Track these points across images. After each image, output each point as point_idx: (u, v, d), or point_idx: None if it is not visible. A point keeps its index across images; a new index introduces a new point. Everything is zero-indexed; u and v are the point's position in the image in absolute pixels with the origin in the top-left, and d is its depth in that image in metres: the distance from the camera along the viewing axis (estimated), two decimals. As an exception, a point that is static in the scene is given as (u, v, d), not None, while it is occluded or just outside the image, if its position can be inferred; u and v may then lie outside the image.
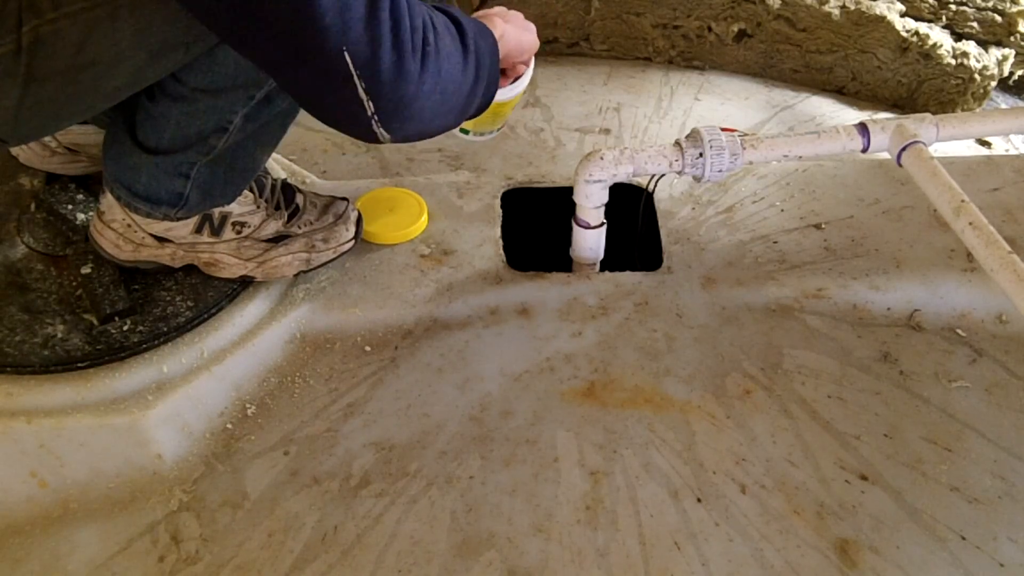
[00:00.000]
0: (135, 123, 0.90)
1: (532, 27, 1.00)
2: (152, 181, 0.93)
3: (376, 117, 0.71)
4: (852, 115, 1.61)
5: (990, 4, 1.66)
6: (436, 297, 1.09)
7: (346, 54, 0.66)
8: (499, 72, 0.88)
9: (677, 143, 1.04)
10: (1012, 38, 1.66)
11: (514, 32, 0.93)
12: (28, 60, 0.72)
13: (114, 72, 0.76)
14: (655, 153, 1.04)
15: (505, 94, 1.00)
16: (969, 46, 1.62)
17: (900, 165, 1.02)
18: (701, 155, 1.02)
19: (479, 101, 0.84)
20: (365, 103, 0.70)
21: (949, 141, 1.09)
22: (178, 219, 0.97)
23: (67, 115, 0.83)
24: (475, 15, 0.95)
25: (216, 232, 1.01)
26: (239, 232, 1.02)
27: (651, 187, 1.18)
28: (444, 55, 0.74)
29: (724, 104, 1.58)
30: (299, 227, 1.06)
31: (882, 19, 1.59)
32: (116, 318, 0.99)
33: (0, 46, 0.71)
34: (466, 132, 1.13)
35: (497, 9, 0.96)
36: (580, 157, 1.07)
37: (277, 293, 1.08)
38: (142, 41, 0.74)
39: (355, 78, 0.68)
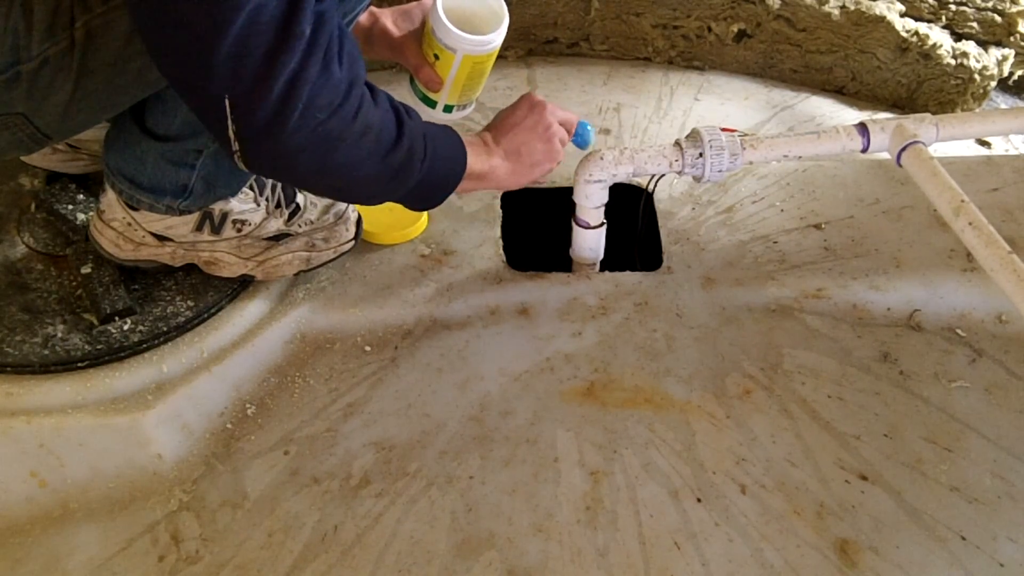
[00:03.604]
0: (144, 110, 0.90)
1: (554, 143, 1.01)
2: (157, 171, 0.93)
3: (238, 155, 0.72)
4: (852, 115, 1.61)
5: (990, 4, 1.66)
6: (436, 297, 1.09)
7: (226, 100, 0.67)
8: (444, 189, 0.90)
9: (677, 143, 1.04)
10: (1012, 38, 1.65)
11: (508, 170, 0.97)
12: (81, 55, 0.75)
13: None
14: (655, 153, 1.04)
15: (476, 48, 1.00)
16: (969, 46, 1.62)
17: (900, 165, 1.02)
18: (701, 155, 1.02)
19: (390, 199, 0.86)
20: (232, 142, 0.71)
21: (949, 141, 1.09)
22: (181, 212, 0.97)
23: (110, 107, 0.85)
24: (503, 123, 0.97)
25: (216, 230, 1.01)
26: (239, 230, 1.02)
27: (651, 187, 1.18)
28: (344, 141, 0.74)
29: (724, 104, 1.58)
30: (300, 226, 1.06)
31: (882, 19, 1.59)
32: (116, 318, 0.99)
33: (55, 44, 0.74)
34: (432, 105, 1.11)
35: (528, 120, 0.98)
36: (580, 157, 1.07)
37: (277, 293, 1.08)
38: None
39: (228, 120, 0.69)
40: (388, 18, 1.08)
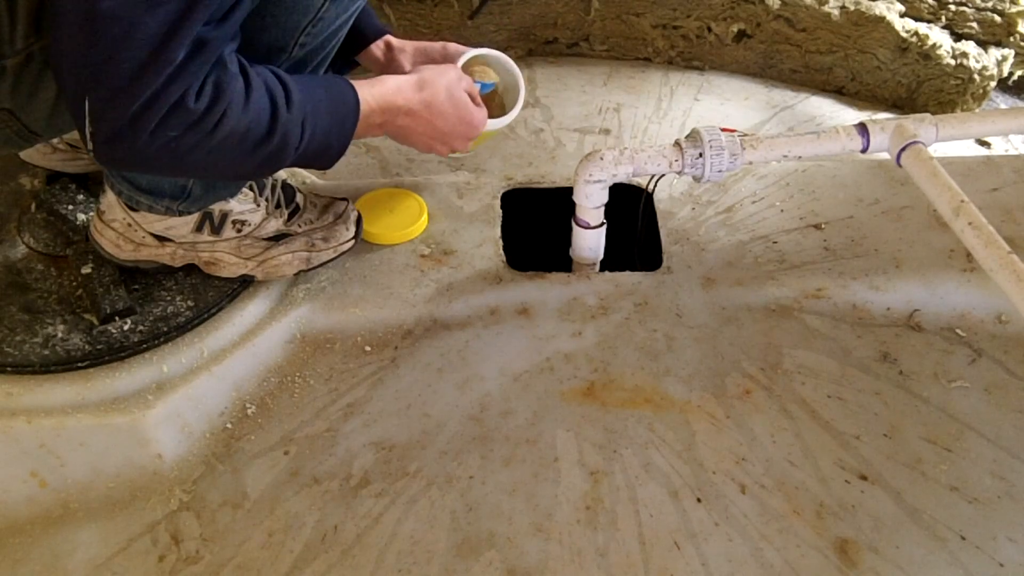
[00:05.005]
0: None
1: (468, 115, 1.00)
2: None
3: (92, 152, 0.72)
4: (852, 115, 1.62)
5: (990, 4, 1.66)
6: (436, 297, 1.09)
7: (86, 101, 0.68)
8: (327, 157, 0.87)
9: (677, 143, 1.04)
10: (1011, 38, 1.66)
11: (424, 129, 0.96)
12: None
13: None
14: (655, 153, 1.04)
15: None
16: (968, 46, 1.62)
17: (899, 165, 1.03)
18: (701, 155, 1.02)
19: (263, 177, 0.84)
20: (87, 140, 0.71)
21: (949, 141, 1.09)
22: (180, 213, 0.97)
23: None
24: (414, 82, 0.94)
25: (216, 231, 1.01)
26: (239, 231, 1.02)
27: (651, 187, 1.18)
28: (201, 148, 0.74)
29: (724, 104, 1.58)
30: (299, 226, 1.06)
31: (882, 19, 1.60)
32: (116, 318, 0.99)
33: (40, 39, 0.74)
34: None
35: (432, 93, 0.95)
36: (580, 157, 1.07)
37: (277, 293, 1.08)
38: None
39: (86, 120, 0.69)
40: (407, 59, 1.07)
